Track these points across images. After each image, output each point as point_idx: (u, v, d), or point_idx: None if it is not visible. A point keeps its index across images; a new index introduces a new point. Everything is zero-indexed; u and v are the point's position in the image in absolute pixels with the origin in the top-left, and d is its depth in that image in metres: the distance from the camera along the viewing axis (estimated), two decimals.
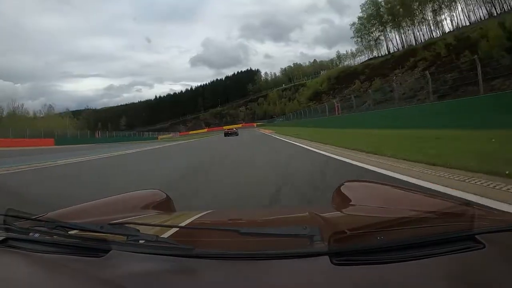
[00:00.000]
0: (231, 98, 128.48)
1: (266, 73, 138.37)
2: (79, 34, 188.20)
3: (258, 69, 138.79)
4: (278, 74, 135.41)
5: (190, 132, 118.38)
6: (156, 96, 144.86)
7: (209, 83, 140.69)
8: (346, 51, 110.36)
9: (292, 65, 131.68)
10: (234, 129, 39.61)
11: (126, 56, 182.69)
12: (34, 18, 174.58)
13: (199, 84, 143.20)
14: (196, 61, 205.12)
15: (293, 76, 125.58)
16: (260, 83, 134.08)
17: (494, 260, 0.65)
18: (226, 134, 35.53)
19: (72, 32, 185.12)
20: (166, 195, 1.71)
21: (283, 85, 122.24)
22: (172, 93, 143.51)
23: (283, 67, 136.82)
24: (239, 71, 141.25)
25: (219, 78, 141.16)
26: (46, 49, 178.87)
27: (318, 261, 0.67)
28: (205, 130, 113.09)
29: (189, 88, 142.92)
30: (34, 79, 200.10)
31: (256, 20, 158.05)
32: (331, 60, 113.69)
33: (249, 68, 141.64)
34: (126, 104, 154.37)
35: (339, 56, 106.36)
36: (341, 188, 1.56)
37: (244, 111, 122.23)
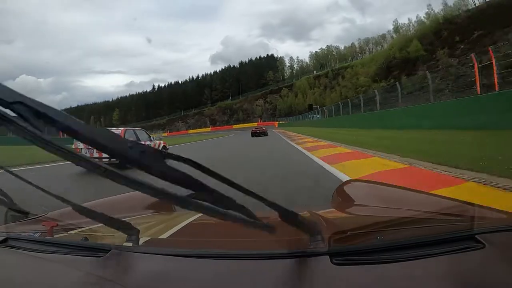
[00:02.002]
0: (246, 89, 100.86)
1: (291, 58, 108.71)
2: (102, 31, 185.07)
3: (281, 56, 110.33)
4: (306, 59, 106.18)
5: (190, 131, 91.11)
6: (154, 87, 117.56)
7: (219, 70, 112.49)
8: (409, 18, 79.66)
9: (325, 48, 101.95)
10: (264, 128, 31.11)
11: (147, 53, 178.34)
12: (57, 15, 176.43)
13: (206, 72, 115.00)
14: (216, 59, 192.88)
15: (327, 61, 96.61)
16: (283, 71, 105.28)
17: (494, 260, 0.65)
18: (254, 134, 29.15)
19: (94, 29, 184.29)
20: None
21: (314, 71, 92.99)
22: (173, 82, 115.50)
23: (313, 51, 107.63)
24: (258, 57, 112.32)
25: (232, 65, 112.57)
26: (69, 45, 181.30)
27: (318, 261, 0.67)
28: (209, 129, 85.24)
29: (194, 77, 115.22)
30: (56, 74, 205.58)
31: (276, 18, 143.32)
32: (383, 36, 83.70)
33: (269, 54, 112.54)
34: (120, 98, 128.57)
35: (397, 28, 75.58)
36: (341, 188, 1.58)
37: (262, 105, 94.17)
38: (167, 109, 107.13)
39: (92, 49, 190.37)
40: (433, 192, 1.63)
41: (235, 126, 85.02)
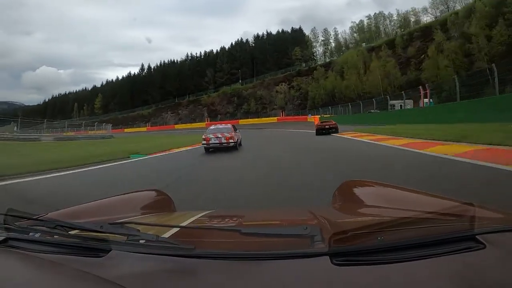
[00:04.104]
0: (261, 71, 71.66)
1: (326, 30, 78.02)
2: (121, 25, 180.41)
3: (307, 35, 78.92)
4: (347, 32, 75.43)
5: (177, 127, 63.05)
6: (143, 66, 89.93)
7: (228, 47, 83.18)
8: None
9: (373, 15, 70.82)
10: (333, 122, 20.96)
11: (166, 48, 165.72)
12: (78, 8, 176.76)
13: (209, 49, 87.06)
14: None
15: (375, 34, 66.30)
16: (311, 48, 75.35)
17: (494, 261, 0.65)
18: (320, 130, 20.32)
19: (114, 22, 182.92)
20: (167, 195, 1.76)
21: (363, 44, 62.58)
22: (167, 62, 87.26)
23: (356, 21, 76.78)
24: (279, 30, 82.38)
25: (244, 39, 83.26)
26: (89, 38, 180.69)
27: (318, 261, 0.67)
28: (204, 123, 56.86)
29: (195, 54, 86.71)
30: (76, 66, 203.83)
31: (295, 13, 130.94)
32: None
33: (294, 27, 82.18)
34: (107, 81, 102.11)
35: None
36: (341, 188, 1.59)
37: (286, 91, 64.51)
38: (157, 96, 79.42)
39: (111, 42, 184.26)
40: None
41: (243, 122, 56.40)
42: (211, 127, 14.22)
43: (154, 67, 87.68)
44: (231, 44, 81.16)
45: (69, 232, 0.88)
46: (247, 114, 62.55)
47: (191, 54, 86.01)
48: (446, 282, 0.60)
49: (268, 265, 0.69)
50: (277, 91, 64.34)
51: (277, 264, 0.69)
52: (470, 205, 0.82)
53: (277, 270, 0.67)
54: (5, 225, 0.92)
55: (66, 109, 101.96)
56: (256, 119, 56.54)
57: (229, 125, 14.58)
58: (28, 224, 0.95)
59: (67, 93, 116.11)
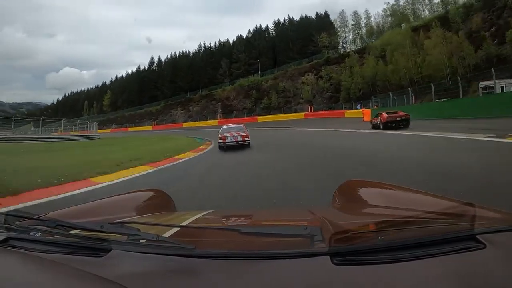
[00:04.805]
0: (283, 60, 61.83)
1: (356, 13, 66.80)
2: (141, 26, 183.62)
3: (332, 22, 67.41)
4: (380, 13, 64.17)
5: (185, 125, 54.46)
6: (152, 59, 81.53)
7: (246, 35, 73.58)
8: None
9: None
10: (403, 113, 17.55)
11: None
12: (99, 10, 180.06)
13: (224, 39, 76.72)
14: None
15: (413, 14, 54.92)
16: (336, 36, 64.63)
17: (495, 261, 0.64)
18: (389, 123, 16.86)
19: (134, 23, 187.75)
20: (167, 195, 1.78)
21: (402, 25, 51.49)
22: (179, 54, 78.61)
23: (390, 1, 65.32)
24: (302, 16, 71.97)
25: (264, 26, 73.43)
26: (110, 39, 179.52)
27: (318, 261, 0.67)
28: (216, 121, 47.92)
29: (208, 45, 77.47)
30: (98, 66, 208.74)
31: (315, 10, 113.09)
32: None
33: (319, 12, 71.48)
34: (116, 77, 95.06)
35: None
36: (342, 188, 1.58)
37: (313, 82, 54.05)
38: (167, 91, 71.16)
39: (132, 43, 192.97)
40: None
41: (262, 119, 46.83)
42: (224, 127, 14.77)
43: (164, 60, 79.49)
44: (249, 31, 71.72)
45: (70, 232, 0.88)
46: (268, 110, 52.89)
47: (204, 44, 77.01)
48: (446, 281, 0.60)
49: (269, 265, 0.69)
50: (302, 82, 54.28)
51: (277, 264, 0.69)
52: (470, 205, 0.82)
53: (278, 270, 0.67)
54: (6, 225, 0.91)
55: (77, 107, 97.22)
56: (279, 115, 46.87)
57: (241, 124, 15.52)
58: (29, 224, 0.94)
59: (79, 91, 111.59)
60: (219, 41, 75.62)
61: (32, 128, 36.52)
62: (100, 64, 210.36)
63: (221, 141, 13.15)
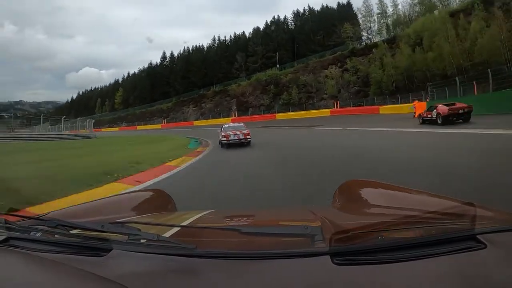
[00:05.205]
0: (304, 53, 56.76)
1: (381, 0, 60.58)
2: (158, 25, 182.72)
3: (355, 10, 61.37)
4: (405, 1, 57.67)
5: (196, 123, 50.40)
6: (164, 54, 77.56)
7: (263, 27, 67.95)
8: None
9: None
10: (466, 104, 14.95)
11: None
12: (116, 11, 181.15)
13: (239, 32, 71.69)
14: None
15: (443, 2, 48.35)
16: (358, 29, 58.80)
17: (495, 261, 0.64)
18: (450, 116, 14.84)
19: (151, 23, 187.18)
20: (168, 195, 1.77)
21: (435, 11, 45.25)
22: (192, 48, 74.37)
23: None
24: (323, 5, 66.17)
25: (281, 18, 68.12)
26: (128, 39, 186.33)
27: (319, 261, 0.67)
28: (230, 119, 43.41)
29: (223, 38, 72.51)
30: (117, 66, 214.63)
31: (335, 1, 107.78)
32: None
33: (341, 2, 65.36)
34: (128, 75, 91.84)
35: None
36: (342, 188, 1.57)
37: (338, 75, 48.37)
38: (179, 88, 67.21)
39: (148, 43, 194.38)
40: None
41: (281, 116, 41.90)
42: (225, 125, 15.23)
43: (177, 55, 75.52)
44: (266, 23, 66.69)
45: (70, 232, 0.88)
46: (287, 106, 47.99)
47: (218, 37, 72.42)
48: (446, 281, 0.60)
49: (269, 265, 0.69)
50: (326, 76, 48.98)
51: (277, 264, 0.69)
52: (471, 205, 0.81)
53: (278, 270, 0.67)
54: (6, 225, 0.91)
55: (90, 105, 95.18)
56: (300, 112, 42.05)
57: (242, 123, 15.80)
58: (29, 224, 0.94)
59: (92, 89, 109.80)
60: (234, 34, 71.07)
61: (49, 127, 35.45)
62: (118, 63, 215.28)
63: (224, 139, 13.51)
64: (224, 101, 58.66)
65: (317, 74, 50.34)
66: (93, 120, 39.94)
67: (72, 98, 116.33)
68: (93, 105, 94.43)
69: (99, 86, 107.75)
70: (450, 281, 0.60)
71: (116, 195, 1.69)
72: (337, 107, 39.60)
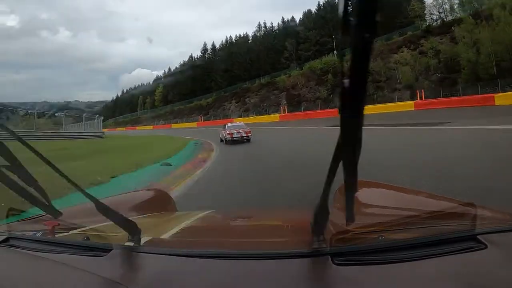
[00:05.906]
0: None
1: None
2: (207, 27, 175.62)
3: None
4: None
5: (236, 120, 43.88)
6: (205, 46, 72.26)
7: (315, 10, 59.27)
8: None
9: None
10: None
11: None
12: (167, 15, 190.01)
13: (287, 18, 64.21)
14: None
15: None
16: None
17: (495, 261, 0.65)
18: None
19: (201, 25, 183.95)
20: (168, 195, 1.81)
21: None
22: (236, 38, 68.25)
23: None
24: None
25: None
26: (179, 40, 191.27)
27: (319, 261, 0.67)
28: (278, 116, 36.30)
29: (270, 25, 65.28)
30: (166, 66, 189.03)
31: None
32: None
33: None
34: (169, 70, 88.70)
35: None
36: (342, 188, 1.62)
37: (413, 59, 38.76)
38: (222, 82, 61.61)
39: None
40: None
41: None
42: (228, 125, 17.45)
43: (219, 45, 69.93)
44: (318, 4, 58.55)
45: (70, 232, 0.88)
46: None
47: (264, 24, 65.44)
48: (447, 282, 0.60)
49: (269, 265, 0.69)
50: (397, 62, 40.22)
51: (278, 264, 0.69)
52: (471, 205, 0.81)
53: (278, 270, 0.67)
54: (7, 224, 0.91)
55: (133, 102, 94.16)
56: (370, 106, 32.93)
57: (243, 123, 18.81)
58: (30, 223, 0.95)
59: (135, 86, 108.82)
60: (282, 19, 63.75)
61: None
62: (169, 64, 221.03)
63: (228, 136, 15.86)
64: (272, 95, 51.70)
65: (385, 60, 41.36)
66: (102, 117, 37.61)
67: (117, 96, 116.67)
68: (136, 102, 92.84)
69: (142, 84, 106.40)
70: (450, 281, 0.60)
71: (116, 195, 1.62)
72: (421, 99, 31.01)
